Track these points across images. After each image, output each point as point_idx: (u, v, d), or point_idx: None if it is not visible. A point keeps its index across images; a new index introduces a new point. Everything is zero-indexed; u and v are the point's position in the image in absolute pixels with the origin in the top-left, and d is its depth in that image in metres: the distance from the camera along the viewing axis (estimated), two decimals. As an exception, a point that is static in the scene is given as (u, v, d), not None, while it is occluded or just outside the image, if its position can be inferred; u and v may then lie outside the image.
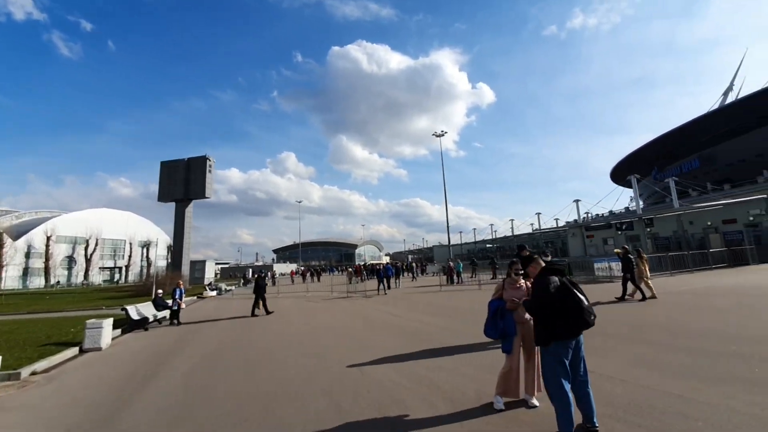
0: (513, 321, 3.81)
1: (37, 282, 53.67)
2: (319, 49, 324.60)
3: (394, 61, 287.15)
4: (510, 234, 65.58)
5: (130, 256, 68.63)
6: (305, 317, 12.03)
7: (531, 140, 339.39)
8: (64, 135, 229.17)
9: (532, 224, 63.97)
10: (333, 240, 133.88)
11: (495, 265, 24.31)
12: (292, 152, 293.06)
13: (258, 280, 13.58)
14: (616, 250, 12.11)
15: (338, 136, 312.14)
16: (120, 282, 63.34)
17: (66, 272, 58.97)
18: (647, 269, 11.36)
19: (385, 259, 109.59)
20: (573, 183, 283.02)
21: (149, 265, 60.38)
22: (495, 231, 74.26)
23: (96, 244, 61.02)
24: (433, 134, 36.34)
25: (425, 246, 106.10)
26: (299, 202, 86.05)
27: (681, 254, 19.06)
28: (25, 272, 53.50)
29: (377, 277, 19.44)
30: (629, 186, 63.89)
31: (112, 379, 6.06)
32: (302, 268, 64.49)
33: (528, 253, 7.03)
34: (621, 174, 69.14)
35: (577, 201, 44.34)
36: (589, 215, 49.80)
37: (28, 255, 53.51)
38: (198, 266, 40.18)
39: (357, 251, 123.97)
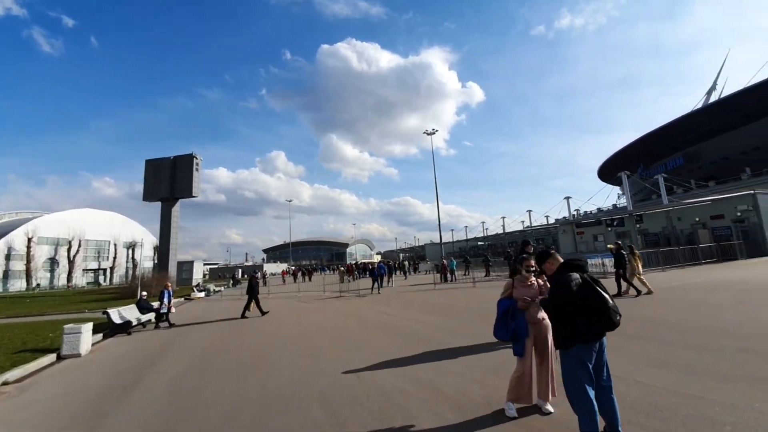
0: (525, 321, 3.54)
1: (18, 285, 51.93)
2: (308, 47, 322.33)
3: (384, 59, 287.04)
4: (501, 232, 65.88)
5: (114, 258, 66.94)
6: (298, 318, 11.65)
7: (520, 139, 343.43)
8: (47, 134, 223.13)
9: (522, 222, 64.43)
10: (324, 239, 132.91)
11: (488, 263, 24.22)
12: (281, 151, 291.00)
13: (251, 280, 13.15)
14: (609, 246, 12.02)
15: (328, 135, 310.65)
16: (105, 284, 61.71)
17: (48, 275, 57.26)
18: (640, 265, 11.30)
19: (377, 258, 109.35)
20: (561, 181, 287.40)
21: (135, 266, 58.93)
22: (486, 229, 74.54)
23: (79, 246, 59.34)
24: (425, 132, 36.10)
25: (417, 244, 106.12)
26: (289, 201, 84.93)
27: (672, 250, 19.25)
28: (6, 275, 51.70)
29: (372, 276, 19.13)
30: (617, 183, 65.00)
31: (91, 388, 5.63)
32: (293, 267, 63.68)
33: (532, 249, 6.85)
34: (608, 172, 70.19)
35: (568, 198, 44.71)
36: (579, 212, 50.31)
37: (8, 257, 51.73)
38: (185, 267, 39.31)
39: (348, 250, 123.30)
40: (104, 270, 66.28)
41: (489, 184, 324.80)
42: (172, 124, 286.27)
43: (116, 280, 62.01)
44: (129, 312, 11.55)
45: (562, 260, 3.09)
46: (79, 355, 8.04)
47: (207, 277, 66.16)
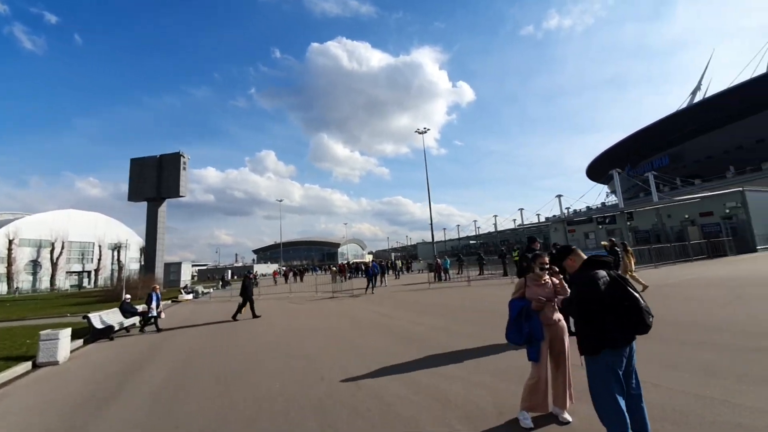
0: (539, 323, 3.28)
1: (-1, 288, 50.08)
2: (298, 45, 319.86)
3: (375, 58, 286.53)
4: (493, 230, 66.17)
5: (99, 259, 65.06)
6: (290, 319, 11.26)
7: (510, 138, 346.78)
8: (29, 133, 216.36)
9: (514, 220, 64.88)
10: (315, 239, 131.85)
11: (482, 261, 24.12)
12: (271, 150, 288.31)
13: (245, 281, 12.69)
14: (603, 243, 11.99)
15: (319, 134, 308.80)
16: (89, 286, 60.00)
17: (30, 277, 55.37)
18: (632, 263, 11.32)
19: (368, 258, 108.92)
20: (550, 180, 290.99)
21: (120, 268, 57.42)
22: (478, 227, 74.88)
23: (62, 247, 57.51)
24: (416, 131, 35.89)
25: (409, 243, 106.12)
26: (280, 201, 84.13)
27: (663, 246, 19.41)
28: (-14, 278, 49.82)
29: (366, 275, 18.82)
30: (605, 182, 65.85)
31: (67, 398, 5.20)
32: (284, 268, 62.90)
33: (539, 246, 6.64)
34: (596, 171, 71.20)
35: (559, 196, 45.03)
36: (569, 210, 50.80)
37: (-12, 260, 49.84)
38: (173, 268, 38.32)
39: (340, 250, 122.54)
40: (88, 272, 64.33)
41: (479, 183, 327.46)
42: (160, 123, 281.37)
43: (101, 282, 60.14)
44: (112, 316, 10.99)
45: (585, 257, 2.83)
46: (56, 363, 7.55)
47: (195, 278, 64.99)
